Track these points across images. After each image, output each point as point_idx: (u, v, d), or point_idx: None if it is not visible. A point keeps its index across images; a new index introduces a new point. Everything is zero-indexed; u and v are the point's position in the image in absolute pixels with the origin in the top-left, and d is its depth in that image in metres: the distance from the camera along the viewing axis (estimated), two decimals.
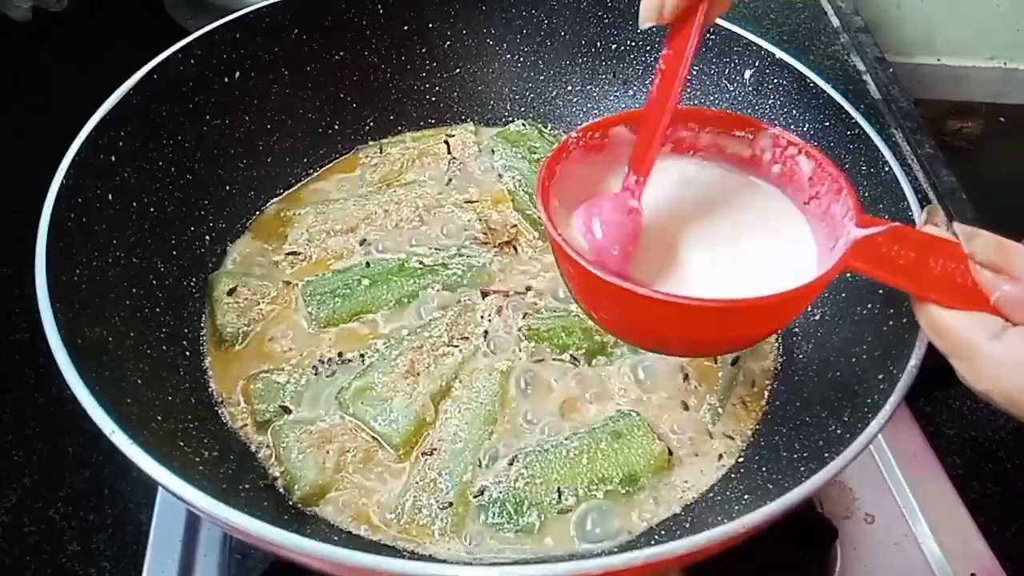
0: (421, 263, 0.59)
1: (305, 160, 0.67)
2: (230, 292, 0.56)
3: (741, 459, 0.51)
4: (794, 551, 0.50)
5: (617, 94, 0.69)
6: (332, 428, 0.50)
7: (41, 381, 0.61)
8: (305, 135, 0.66)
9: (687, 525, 0.47)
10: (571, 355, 0.54)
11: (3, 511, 0.54)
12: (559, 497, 0.47)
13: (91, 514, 0.54)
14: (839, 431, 0.42)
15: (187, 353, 0.53)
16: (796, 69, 0.57)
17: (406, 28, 0.67)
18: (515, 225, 0.63)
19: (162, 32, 0.83)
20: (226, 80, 0.59)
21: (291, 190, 0.66)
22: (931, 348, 0.42)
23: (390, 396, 0.51)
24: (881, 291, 0.49)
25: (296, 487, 0.47)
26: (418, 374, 0.52)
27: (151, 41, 0.56)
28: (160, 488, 0.37)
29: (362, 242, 0.61)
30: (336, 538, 0.45)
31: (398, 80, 0.69)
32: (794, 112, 0.58)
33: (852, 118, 0.54)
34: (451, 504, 0.47)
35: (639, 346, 0.46)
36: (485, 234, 0.62)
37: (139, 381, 0.45)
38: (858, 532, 0.53)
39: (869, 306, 0.49)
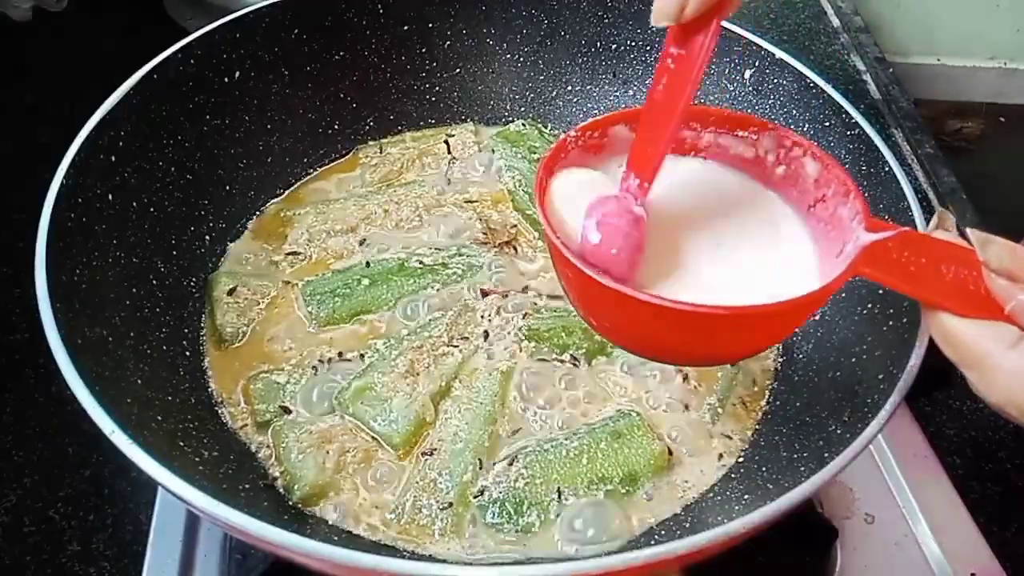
0: (421, 263, 0.59)
1: (305, 160, 0.67)
2: (230, 292, 0.56)
3: (741, 459, 0.51)
4: (794, 551, 0.50)
5: (617, 94, 0.69)
6: (332, 428, 0.50)
7: (41, 381, 0.61)
8: (305, 135, 0.66)
9: (687, 525, 0.47)
10: (571, 355, 0.54)
11: (3, 511, 0.54)
12: (559, 497, 0.47)
13: (91, 514, 0.54)
14: (839, 431, 0.42)
15: (187, 353, 0.53)
16: (796, 69, 0.57)
17: (406, 28, 0.67)
18: (515, 225, 0.63)
19: (162, 32, 0.84)
20: (226, 80, 0.59)
21: (291, 190, 0.66)
22: (931, 348, 0.42)
23: (390, 396, 0.51)
24: (881, 291, 0.49)
25: (296, 487, 0.47)
26: (418, 374, 0.52)
27: (151, 41, 0.56)
28: (160, 488, 0.37)
29: (362, 242, 0.61)
30: (336, 538, 0.45)
31: (398, 80, 0.69)
32: (794, 112, 0.58)
33: (852, 118, 0.53)
34: (451, 504, 0.47)
35: (638, 354, 0.45)
36: (485, 234, 0.62)
37: (139, 381, 0.45)
38: (858, 532, 0.53)
39: (869, 306, 0.49)
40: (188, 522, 0.51)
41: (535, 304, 0.57)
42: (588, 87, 0.70)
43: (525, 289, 0.58)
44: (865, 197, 0.36)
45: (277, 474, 0.48)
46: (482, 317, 0.56)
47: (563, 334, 0.55)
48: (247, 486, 0.46)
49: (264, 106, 0.63)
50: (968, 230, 0.35)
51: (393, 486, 0.48)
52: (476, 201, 0.65)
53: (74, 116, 0.49)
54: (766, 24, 0.99)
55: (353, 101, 0.68)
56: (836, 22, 1.00)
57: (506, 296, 0.57)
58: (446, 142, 0.69)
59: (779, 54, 0.58)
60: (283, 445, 0.49)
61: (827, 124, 0.55)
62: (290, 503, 0.47)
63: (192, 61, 0.56)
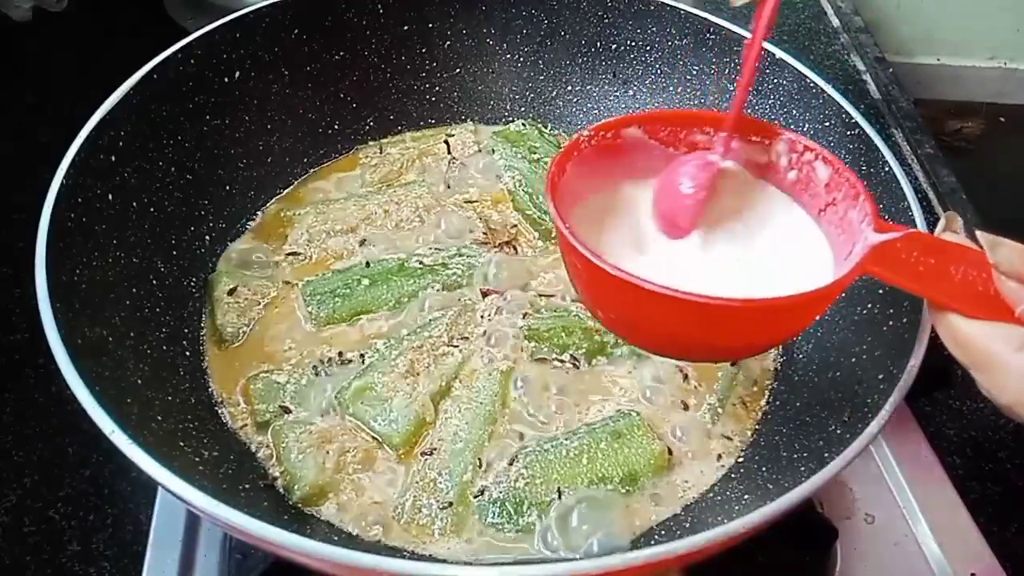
0: (421, 263, 0.59)
1: (305, 160, 0.67)
2: (230, 292, 0.56)
3: (741, 459, 0.51)
4: (794, 551, 0.50)
5: (617, 94, 0.69)
6: (332, 428, 0.50)
7: (41, 381, 0.61)
8: (305, 135, 0.66)
9: (687, 525, 0.47)
10: (571, 355, 0.54)
11: (3, 511, 0.54)
12: (559, 497, 0.47)
13: (91, 514, 0.54)
14: (839, 431, 0.42)
15: (187, 353, 0.53)
16: (796, 69, 0.57)
17: (406, 28, 0.67)
18: (515, 225, 0.63)
19: (162, 32, 0.83)
20: (226, 80, 0.59)
21: (291, 190, 0.66)
22: (930, 348, 0.42)
23: (390, 396, 0.51)
24: (881, 291, 0.49)
25: (296, 487, 0.47)
26: (418, 374, 0.52)
27: (151, 41, 0.56)
28: (160, 488, 0.37)
29: (362, 242, 0.61)
30: (336, 538, 0.45)
31: (398, 80, 0.69)
32: (794, 112, 0.58)
33: (852, 118, 0.54)
34: (451, 504, 0.47)
35: (645, 348, 0.45)
36: (485, 234, 0.62)
37: (139, 381, 0.45)
38: (858, 532, 0.53)
39: (869, 306, 0.49)
40: (188, 522, 0.51)
41: (535, 304, 0.57)
42: (588, 87, 0.70)
43: (525, 289, 0.58)
44: (875, 199, 0.37)
45: (277, 474, 0.48)
46: (482, 317, 0.56)
47: (563, 334, 0.55)
48: (247, 486, 0.46)
49: (264, 106, 0.63)
50: (977, 232, 0.35)
51: (393, 486, 0.48)
52: (476, 201, 0.65)
53: (74, 116, 0.49)
54: None
55: (353, 101, 0.68)
56: (836, 22, 1.00)
57: (506, 296, 0.57)
58: (446, 142, 0.69)
59: (779, 54, 0.58)
60: (283, 445, 0.49)
61: (827, 124, 0.55)
62: (290, 503, 0.47)
63: (192, 61, 0.56)
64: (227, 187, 0.61)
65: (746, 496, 0.46)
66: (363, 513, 0.47)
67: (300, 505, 0.47)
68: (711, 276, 0.39)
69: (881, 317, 0.47)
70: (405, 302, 0.57)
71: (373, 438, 0.50)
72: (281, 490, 0.48)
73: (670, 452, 0.50)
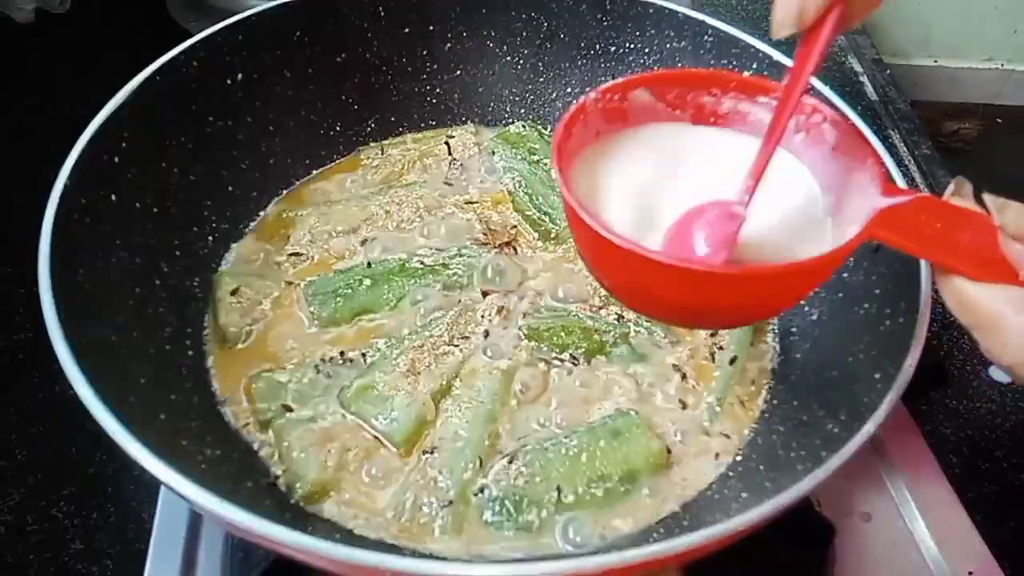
0: (422, 263, 0.59)
1: (307, 161, 0.67)
2: (233, 292, 0.57)
3: (739, 458, 0.51)
4: (792, 549, 0.50)
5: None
6: (334, 427, 0.50)
7: (44, 380, 0.61)
8: (307, 136, 0.66)
9: (685, 523, 0.47)
10: (571, 354, 0.55)
11: (6, 510, 0.55)
12: (559, 495, 0.48)
13: (94, 512, 0.55)
14: (836, 430, 0.43)
15: (190, 353, 0.53)
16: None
17: (407, 31, 0.67)
18: (515, 226, 0.64)
19: (165, 34, 0.84)
20: (228, 82, 0.60)
21: (293, 191, 0.66)
22: (927, 348, 0.42)
23: (391, 395, 0.51)
24: (878, 291, 0.49)
25: (298, 485, 0.47)
26: (419, 373, 0.52)
27: (154, 43, 0.57)
28: (163, 486, 0.37)
29: (364, 242, 0.62)
30: (337, 536, 0.46)
31: (399, 82, 0.69)
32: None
33: (849, 119, 0.54)
34: (452, 502, 0.47)
35: (651, 316, 0.45)
36: (485, 234, 0.62)
37: (142, 380, 0.46)
38: (856, 531, 0.53)
39: (866, 306, 0.50)
40: (190, 520, 0.51)
41: (535, 304, 0.57)
42: (587, 89, 0.70)
43: (525, 289, 0.59)
44: (883, 162, 0.36)
45: (279, 472, 0.49)
46: (482, 317, 0.56)
47: (563, 334, 0.55)
48: (249, 484, 0.46)
49: (266, 108, 0.63)
50: (985, 195, 0.35)
51: (394, 484, 0.49)
52: (476, 202, 0.65)
53: (77, 117, 0.50)
54: (764, 26, 0.99)
55: (355, 103, 0.68)
56: None
57: (506, 296, 0.58)
58: (447, 143, 0.69)
59: (777, 55, 0.58)
60: (285, 444, 0.49)
61: None
62: (292, 501, 0.47)
63: (195, 63, 0.57)
64: (229, 188, 0.61)
65: (744, 494, 0.47)
66: (364, 511, 0.47)
67: (302, 503, 0.47)
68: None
69: (878, 317, 0.48)
70: (406, 302, 0.57)
71: (374, 437, 0.50)
72: (283, 488, 0.48)
73: (669, 451, 0.50)
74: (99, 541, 0.53)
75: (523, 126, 0.70)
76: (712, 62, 0.62)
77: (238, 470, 0.47)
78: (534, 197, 0.64)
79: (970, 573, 0.51)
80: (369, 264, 0.59)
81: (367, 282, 0.58)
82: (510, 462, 0.49)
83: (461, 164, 0.68)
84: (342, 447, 0.49)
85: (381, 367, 0.52)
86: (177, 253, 0.56)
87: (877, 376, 0.43)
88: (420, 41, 0.68)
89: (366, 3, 0.65)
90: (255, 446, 0.50)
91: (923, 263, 0.45)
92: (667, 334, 0.56)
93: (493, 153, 0.68)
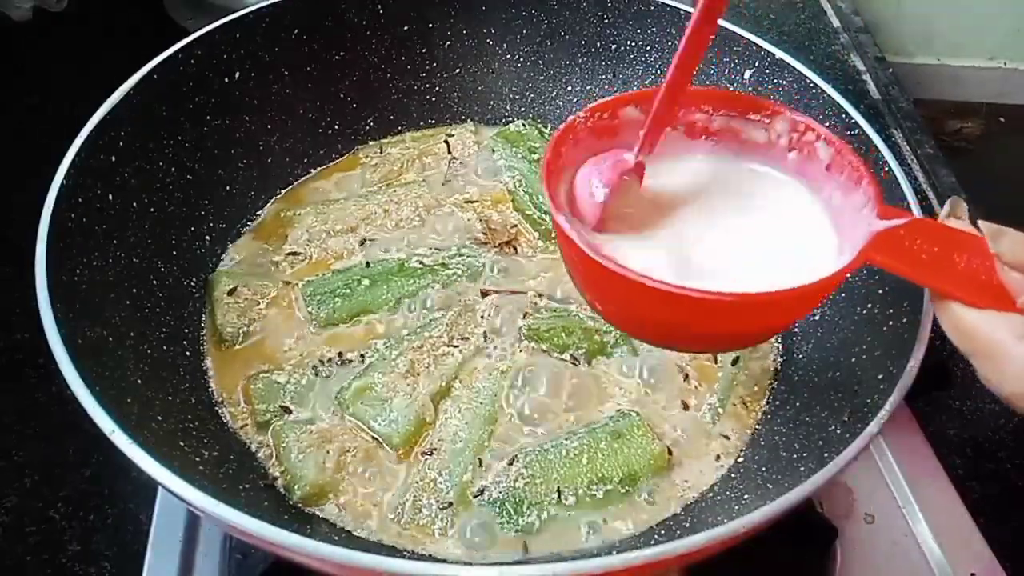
0: (421, 263, 0.59)
1: (305, 160, 0.67)
2: (230, 292, 0.56)
3: (741, 459, 0.51)
4: (794, 551, 0.50)
5: (617, 94, 0.69)
6: (332, 428, 0.50)
7: (42, 381, 0.61)
8: (305, 135, 0.66)
9: (687, 525, 0.47)
10: (571, 355, 0.54)
11: (3, 511, 0.54)
12: (559, 497, 0.47)
13: (91, 514, 0.54)
14: (839, 431, 0.42)
15: (187, 353, 0.53)
16: (796, 69, 0.57)
17: (406, 28, 0.67)
18: (515, 225, 0.63)
19: (162, 32, 0.83)
20: (226, 80, 0.59)
21: (291, 190, 0.66)
22: (930, 349, 0.42)
23: (390, 396, 0.51)
24: (881, 291, 0.49)
25: (296, 487, 0.47)
26: (418, 374, 0.52)
27: (151, 41, 0.56)
28: (160, 488, 0.37)
29: (362, 242, 0.61)
30: (336, 538, 0.46)
31: (398, 80, 0.69)
32: None
33: (852, 118, 0.54)
34: (451, 504, 0.47)
35: (641, 339, 0.45)
36: (485, 234, 0.62)
37: (139, 381, 0.45)
38: (858, 532, 0.53)
39: (869, 306, 0.49)
40: (188, 522, 0.51)
41: (535, 304, 0.57)
42: (588, 87, 0.70)
43: (525, 289, 0.58)
44: (879, 183, 0.36)
45: (277, 474, 0.48)
46: (482, 317, 0.56)
47: (563, 334, 0.55)
48: (247, 486, 0.46)
49: (264, 106, 0.63)
50: (980, 222, 0.34)
51: (393, 486, 0.48)
52: (476, 201, 0.65)
53: (74, 116, 0.49)
54: (766, 24, 0.99)
55: (353, 101, 0.68)
56: (836, 22, 1.00)
57: (506, 296, 0.58)
58: (446, 142, 0.69)
59: (779, 54, 0.58)
60: (283, 445, 0.49)
61: (827, 124, 0.55)
62: (290, 503, 0.47)
63: (192, 61, 0.56)
64: (227, 187, 0.61)
65: (746, 496, 0.46)
66: (363, 513, 0.47)
67: (300, 505, 0.47)
68: (712, 262, 0.37)
69: (881, 317, 0.47)
70: (405, 302, 0.57)
71: (373, 438, 0.50)
72: (281, 490, 0.48)
73: (670, 452, 0.50)
74: (96, 543, 0.53)
75: (523, 124, 0.69)
76: (714, 60, 0.62)
77: (236, 471, 0.47)
78: (534, 196, 0.64)
79: (972, 574, 0.50)
80: (368, 264, 0.59)
81: (366, 282, 0.57)
82: (510, 463, 0.49)
83: (461, 163, 0.68)
84: (341, 448, 0.49)
85: (380, 368, 0.52)
86: (174, 253, 0.56)
87: (880, 377, 0.43)
88: (419, 39, 0.68)
89: (364, 1, 0.64)
90: (253, 447, 0.50)
91: None
92: None
93: (493, 152, 0.68)
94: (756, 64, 0.59)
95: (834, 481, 0.37)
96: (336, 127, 0.68)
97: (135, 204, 0.52)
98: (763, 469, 0.48)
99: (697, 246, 0.38)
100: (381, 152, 0.68)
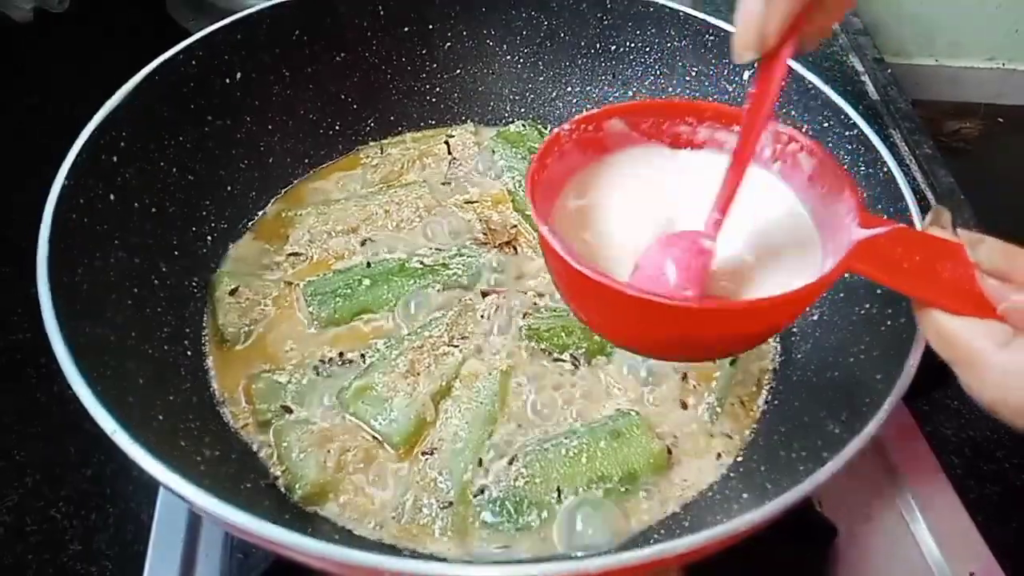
0: (421, 263, 0.59)
1: (306, 161, 0.67)
2: (232, 292, 0.56)
3: (740, 458, 0.51)
4: (793, 550, 0.50)
5: (617, 95, 0.69)
6: (333, 428, 0.50)
7: (43, 381, 0.61)
8: (306, 136, 0.66)
9: (686, 524, 0.47)
10: (571, 355, 0.55)
11: (5, 511, 0.55)
12: (559, 496, 0.47)
13: (93, 513, 0.54)
14: (837, 430, 0.43)
15: (189, 353, 0.53)
16: (795, 70, 0.57)
17: (407, 29, 0.67)
18: (515, 225, 0.64)
19: (163, 33, 0.84)
20: (227, 81, 0.60)
21: (292, 190, 0.66)
22: (928, 348, 0.42)
23: (390, 396, 0.51)
24: (879, 291, 0.49)
25: (297, 486, 0.47)
26: (418, 374, 0.52)
27: (152, 42, 0.56)
28: (162, 487, 0.37)
29: (363, 242, 0.61)
30: (337, 537, 0.46)
31: (399, 81, 0.69)
32: (792, 113, 0.58)
33: (850, 119, 0.54)
34: (451, 503, 0.47)
35: (626, 349, 0.45)
36: (485, 234, 0.62)
37: (141, 381, 0.46)
38: (857, 531, 0.53)
39: (867, 306, 0.49)
40: (189, 521, 0.51)
41: (535, 304, 0.57)
42: (588, 88, 0.70)
43: (525, 289, 0.59)
44: (860, 192, 0.36)
45: (278, 473, 0.48)
46: (482, 317, 0.56)
47: (563, 334, 0.55)
48: (248, 485, 0.46)
49: (265, 107, 0.63)
50: (959, 230, 0.35)
51: (394, 485, 0.48)
52: (476, 201, 0.65)
53: (76, 116, 0.49)
54: None
55: (354, 102, 0.68)
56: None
57: (506, 296, 0.58)
58: (446, 143, 0.69)
59: None
60: (284, 444, 0.49)
61: (826, 125, 0.56)
62: (291, 502, 0.47)
63: (194, 62, 0.56)
64: (228, 188, 0.61)
65: (745, 495, 0.47)
66: (364, 512, 0.47)
67: (301, 504, 0.47)
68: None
69: (879, 317, 0.48)
70: (406, 302, 0.57)
71: (374, 438, 0.50)
72: (282, 489, 0.48)
73: (669, 451, 0.50)
74: (98, 542, 0.53)
75: (523, 125, 0.70)
76: (713, 61, 0.62)
77: (237, 471, 0.47)
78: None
79: (971, 574, 0.51)
80: (368, 264, 0.59)
81: (366, 282, 0.58)
82: (510, 463, 0.49)
83: (461, 163, 0.68)
84: (341, 448, 0.49)
85: (380, 368, 0.52)
86: (176, 253, 0.56)
87: (878, 376, 0.43)
88: (419, 40, 0.68)
89: (365, 2, 0.65)
90: (254, 447, 0.50)
91: None
92: None
93: (493, 152, 0.68)
94: (755, 65, 0.59)
95: (833, 481, 0.37)
96: (337, 127, 0.68)
97: (136, 204, 0.53)
98: (762, 468, 0.48)
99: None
100: (382, 152, 0.69)
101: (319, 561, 0.36)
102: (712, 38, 0.62)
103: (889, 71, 0.93)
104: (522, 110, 0.72)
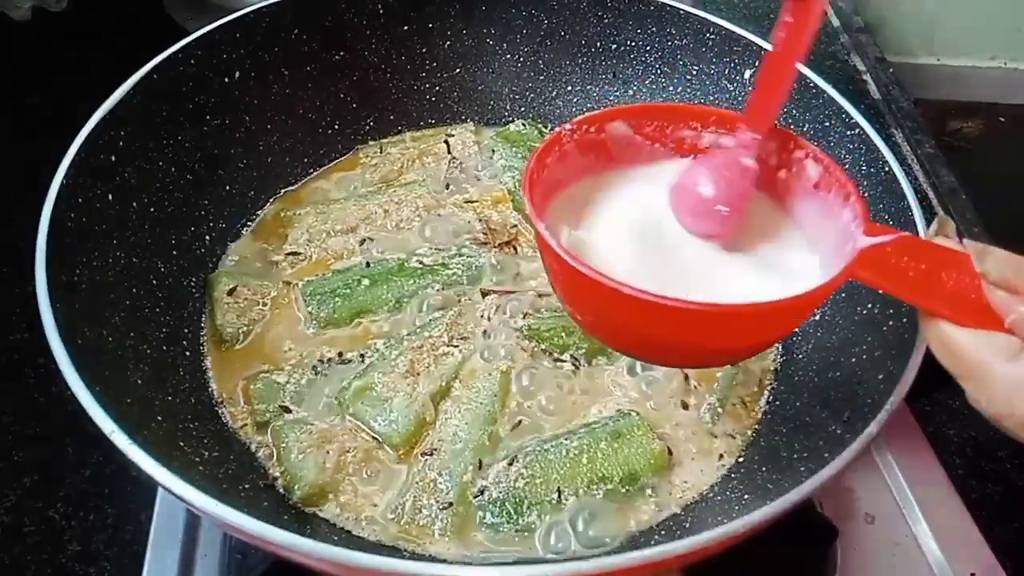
0: (421, 263, 0.59)
1: (305, 160, 0.67)
2: (230, 292, 0.56)
3: (741, 459, 0.51)
4: (794, 551, 0.50)
5: (617, 94, 0.69)
6: (332, 428, 0.50)
7: (41, 381, 0.61)
8: (305, 135, 0.66)
9: (687, 525, 0.47)
10: (571, 355, 0.54)
11: (3, 511, 0.55)
12: (559, 497, 0.47)
13: (91, 514, 0.54)
14: (839, 431, 0.42)
15: (187, 353, 0.53)
16: (796, 69, 0.57)
17: (406, 28, 0.67)
18: (515, 225, 0.63)
19: (162, 32, 0.83)
20: (226, 80, 0.59)
21: (291, 190, 0.66)
22: (930, 349, 0.42)
23: (390, 396, 0.51)
24: (881, 291, 0.48)
25: (296, 487, 0.47)
26: (418, 374, 0.52)
27: (151, 41, 0.56)
28: (160, 488, 0.37)
29: (362, 242, 0.61)
30: (336, 538, 0.45)
31: (398, 80, 0.69)
32: (794, 112, 0.58)
33: (852, 118, 0.54)
34: (451, 504, 0.47)
35: (622, 351, 0.44)
36: (485, 234, 0.62)
37: (139, 381, 0.45)
38: (858, 532, 0.53)
39: (869, 306, 0.49)
40: (188, 522, 0.51)
41: (535, 304, 0.57)
42: (588, 87, 0.70)
43: (525, 289, 0.58)
44: (865, 201, 0.36)
45: (277, 474, 0.48)
46: (482, 317, 0.56)
47: (563, 334, 0.55)
48: (247, 486, 0.46)
49: (264, 106, 0.63)
50: (965, 241, 0.34)
51: (393, 486, 0.48)
52: (476, 201, 0.65)
53: (74, 116, 0.49)
54: (766, 24, 0.99)
55: (353, 101, 0.68)
56: (836, 22, 1.00)
57: (506, 296, 0.57)
58: (446, 142, 0.69)
59: None
60: (283, 445, 0.49)
61: (827, 124, 0.55)
62: (290, 503, 0.47)
63: (192, 61, 0.56)
64: (227, 187, 0.61)
65: (746, 496, 0.46)
66: (363, 513, 0.47)
67: (300, 505, 0.47)
68: (695, 273, 0.37)
69: (881, 317, 0.47)
70: (405, 302, 0.57)
71: (373, 438, 0.50)
72: (281, 490, 0.48)
73: (670, 452, 0.50)
74: (96, 543, 0.53)
75: (523, 124, 0.69)
76: (714, 60, 0.62)
77: (236, 471, 0.47)
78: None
79: (972, 574, 0.50)
80: (368, 264, 0.59)
81: (366, 282, 0.57)
82: (510, 464, 0.48)
83: (461, 163, 0.68)
84: (341, 448, 0.49)
85: (380, 368, 0.52)
86: (174, 252, 0.55)
87: (880, 377, 0.43)
88: (419, 39, 0.68)
89: (365, 1, 0.64)
90: (253, 447, 0.50)
91: None
92: None
93: (493, 152, 0.68)
94: (756, 64, 0.59)
95: (834, 481, 0.37)
96: (336, 127, 0.68)
97: (135, 204, 0.52)
98: (763, 469, 0.48)
99: (682, 257, 0.38)
100: (381, 152, 0.68)
101: (318, 562, 0.36)
102: (713, 37, 0.61)
103: (891, 70, 0.93)
104: (522, 109, 0.72)
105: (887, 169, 0.50)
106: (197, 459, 0.44)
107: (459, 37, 0.69)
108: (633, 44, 0.66)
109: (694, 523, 0.47)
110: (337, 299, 0.56)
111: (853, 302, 0.51)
